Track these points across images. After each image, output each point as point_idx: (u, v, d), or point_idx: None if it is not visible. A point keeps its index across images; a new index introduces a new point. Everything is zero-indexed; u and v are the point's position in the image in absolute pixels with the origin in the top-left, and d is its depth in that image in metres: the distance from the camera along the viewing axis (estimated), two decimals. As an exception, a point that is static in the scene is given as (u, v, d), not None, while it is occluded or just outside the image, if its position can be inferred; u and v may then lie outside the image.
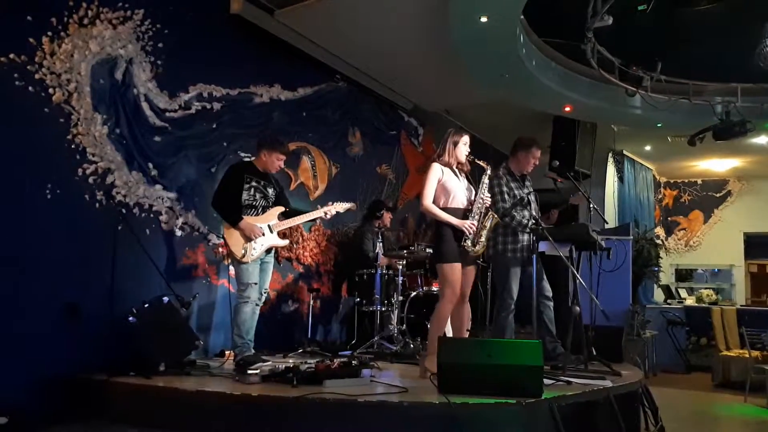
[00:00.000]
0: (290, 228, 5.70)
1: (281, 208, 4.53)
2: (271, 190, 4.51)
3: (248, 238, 4.23)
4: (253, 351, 4.29)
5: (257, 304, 4.37)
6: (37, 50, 3.80)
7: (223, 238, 4.31)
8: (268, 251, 4.41)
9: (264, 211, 4.42)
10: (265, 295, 4.50)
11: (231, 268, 5.08)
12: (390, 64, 6.37)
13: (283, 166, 4.62)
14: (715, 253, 11.33)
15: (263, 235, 4.31)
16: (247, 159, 4.84)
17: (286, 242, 4.70)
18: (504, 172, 4.63)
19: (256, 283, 4.26)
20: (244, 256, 4.21)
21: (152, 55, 4.53)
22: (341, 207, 4.73)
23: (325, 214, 4.65)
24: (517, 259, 4.49)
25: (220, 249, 5.04)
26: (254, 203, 4.37)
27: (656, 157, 10.46)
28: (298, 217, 4.61)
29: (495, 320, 4.56)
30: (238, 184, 4.33)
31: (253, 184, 4.39)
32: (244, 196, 4.32)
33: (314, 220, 4.69)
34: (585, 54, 5.88)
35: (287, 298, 5.74)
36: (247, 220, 4.27)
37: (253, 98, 5.43)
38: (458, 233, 3.89)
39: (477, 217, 3.94)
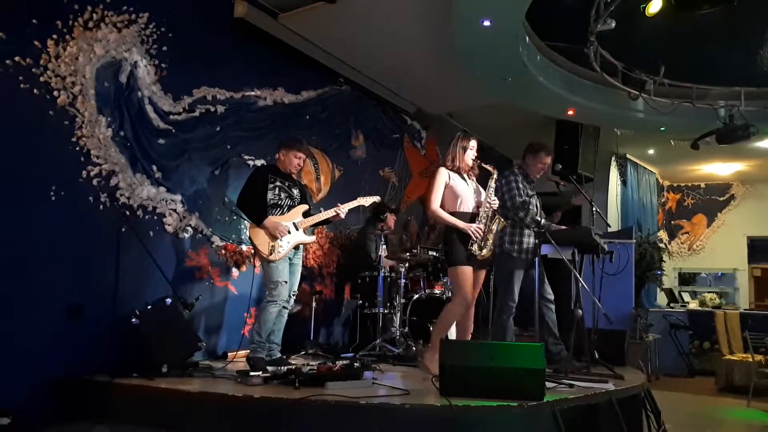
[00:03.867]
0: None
1: (305, 206, 4.54)
2: (296, 191, 4.52)
3: (274, 237, 4.23)
4: (278, 354, 4.32)
5: (286, 307, 4.37)
6: (42, 53, 3.82)
7: (250, 238, 4.31)
8: (295, 249, 4.40)
9: (289, 210, 4.43)
10: (294, 297, 4.48)
11: (234, 270, 5.14)
12: (393, 67, 6.38)
13: (302, 164, 4.61)
14: (719, 257, 11.29)
15: (289, 232, 4.31)
16: (260, 162, 4.85)
17: (312, 238, 4.73)
18: (519, 170, 4.67)
19: (286, 282, 4.25)
20: (271, 253, 4.21)
21: (156, 58, 4.55)
22: (366, 201, 4.79)
23: (359, 205, 4.72)
24: (522, 260, 4.49)
25: (223, 252, 5.05)
26: (280, 202, 4.39)
27: (659, 160, 10.45)
28: (320, 214, 4.57)
29: (495, 322, 4.56)
30: (263, 184, 4.35)
31: (278, 184, 4.40)
32: (269, 195, 4.34)
33: (334, 217, 4.59)
34: (588, 58, 5.89)
35: (290, 300, 5.75)
36: (272, 218, 4.28)
37: (256, 101, 5.45)
38: (466, 237, 3.93)
39: (484, 220, 3.97)
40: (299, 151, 4.52)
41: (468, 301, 3.98)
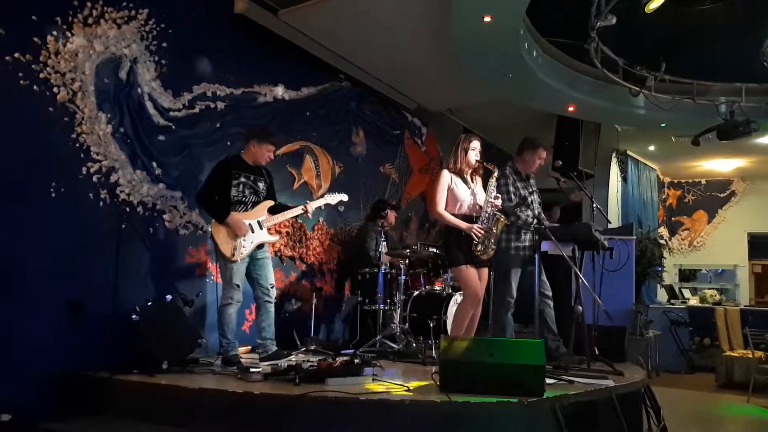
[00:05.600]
0: (293, 227, 5.73)
1: (270, 203, 4.48)
2: (261, 184, 4.45)
3: (236, 236, 4.20)
4: (274, 348, 4.35)
5: (269, 301, 4.38)
6: (41, 49, 3.81)
7: (211, 236, 4.28)
8: (259, 247, 4.36)
9: (254, 206, 4.38)
10: (273, 289, 4.46)
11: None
12: (393, 63, 6.37)
13: (272, 157, 4.57)
14: (719, 254, 11.30)
15: (252, 231, 4.27)
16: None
17: (276, 238, 4.67)
18: (511, 171, 4.63)
19: (239, 285, 4.23)
20: (233, 255, 4.17)
21: (156, 55, 4.55)
22: (332, 199, 4.73)
23: (321, 205, 4.69)
24: (519, 257, 4.49)
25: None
26: (243, 199, 4.32)
27: (660, 157, 10.44)
28: (287, 211, 4.52)
29: (495, 319, 4.56)
30: (226, 180, 4.27)
31: (242, 179, 4.33)
32: (233, 192, 4.27)
33: (303, 214, 4.59)
34: (589, 54, 5.88)
35: (290, 296, 5.75)
36: (235, 216, 4.22)
37: (256, 98, 5.45)
38: (467, 238, 3.99)
39: (485, 221, 3.99)
40: (271, 144, 4.46)
41: (478, 298, 4.09)
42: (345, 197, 4.85)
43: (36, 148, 3.78)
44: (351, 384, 3.27)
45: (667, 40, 6.09)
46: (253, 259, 4.33)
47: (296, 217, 4.62)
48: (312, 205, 4.56)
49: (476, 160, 4.16)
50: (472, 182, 4.21)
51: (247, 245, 4.24)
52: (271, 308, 4.40)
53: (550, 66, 6.54)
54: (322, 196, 4.86)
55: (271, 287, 4.43)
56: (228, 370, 3.93)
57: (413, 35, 5.70)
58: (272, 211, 4.48)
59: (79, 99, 4.02)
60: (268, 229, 4.44)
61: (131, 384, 3.52)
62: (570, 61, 6.76)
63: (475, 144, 4.17)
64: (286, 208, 4.58)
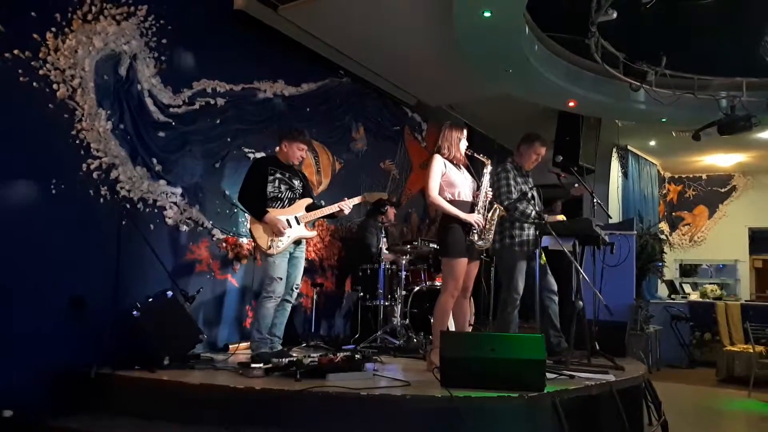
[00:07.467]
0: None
1: (309, 200, 4.53)
2: (297, 182, 4.51)
3: (273, 232, 4.24)
4: (279, 347, 4.34)
5: (289, 301, 4.40)
6: (41, 46, 3.81)
7: (250, 232, 4.33)
8: (296, 244, 4.40)
9: (291, 203, 4.42)
10: (297, 290, 4.48)
11: (236, 263, 5.15)
12: (394, 59, 6.36)
13: (304, 156, 4.62)
14: (720, 249, 11.29)
15: (290, 226, 4.31)
16: (261, 154, 4.87)
17: (313, 233, 4.72)
18: (511, 166, 4.63)
19: (281, 278, 4.25)
20: (270, 248, 4.22)
21: (156, 51, 4.54)
22: (371, 197, 4.82)
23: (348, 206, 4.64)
24: (523, 252, 4.48)
25: (224, 244, 5.06)
26: (279, 195, 4.37)
27: (661, 152, 10.43)
28: (323, 209, 4.56)
29: (500, 315, 4.55)
30: (263, 177, 4.33)
31: (278, 176, 4.39)
32: (269, 188, 4.33)
33: (338, 212, 4.60)
34: (589, 49, 5.86)
35: (291, 292, 5.76)
36: (273, 213, 4.27)
37: (256, 94, 5.44)
38: (465, 227, 3.89)
39: (482, 211, 3.94)
40: (302, 143, 4.50)
41: (458, 292, 3.93)
42: (384, 195, 5.02)
43: (36, 144, 3.77)
44: (352, 379, 3.27)
45: (667, 34, 6.07)
46: (291, 256, 4.38)
47: (332, 215, 4.61)
48: (348, 203, 4.57)
49: (465, 149, 4.10)
50: (463, 169, 4.12)
51: (284, 239, 4.27)
52: (289, 308, 4.44)
53: (551, 61, 6.53)
54: (358, 195, 4.83)
55: (296, 288, 4.46)
56: (229, 366, 3.94)
57: (413, 31, 5.69)
58: (308, 209, 4.52)
59: (79, 95, 4.01)
60: (306, 225, 4.47)
61: (132, 380, 3.52)
62: (570, 56, 6.74)
63: (465, 133, 4.13)
64: (321, 206, 4.62)
